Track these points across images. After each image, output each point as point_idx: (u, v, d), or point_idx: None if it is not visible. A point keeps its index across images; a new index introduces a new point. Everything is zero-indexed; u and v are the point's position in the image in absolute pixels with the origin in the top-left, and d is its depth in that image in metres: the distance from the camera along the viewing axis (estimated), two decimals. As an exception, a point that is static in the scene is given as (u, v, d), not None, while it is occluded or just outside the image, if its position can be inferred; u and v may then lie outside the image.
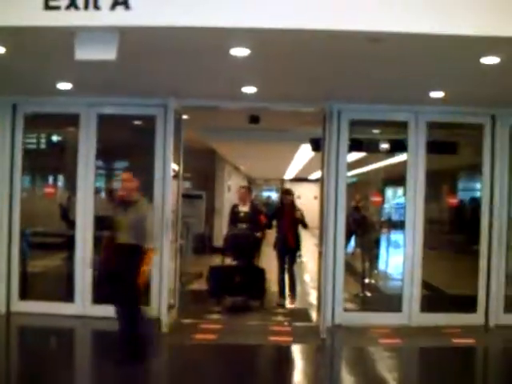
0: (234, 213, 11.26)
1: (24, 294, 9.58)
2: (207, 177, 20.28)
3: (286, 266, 11.21)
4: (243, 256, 10.71)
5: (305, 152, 17.01)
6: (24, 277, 9.69)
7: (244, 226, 10.96)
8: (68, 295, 9.48)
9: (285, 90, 8.49)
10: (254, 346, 8.31)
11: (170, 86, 8.50)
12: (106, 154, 10.17)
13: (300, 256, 12.02)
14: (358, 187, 12.48)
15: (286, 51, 6.48)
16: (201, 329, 8.87)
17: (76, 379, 7.03)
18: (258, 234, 11.05)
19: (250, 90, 8.44)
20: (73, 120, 9.58)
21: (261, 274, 10.71)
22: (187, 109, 9.35)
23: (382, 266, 12.79)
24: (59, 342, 8.65)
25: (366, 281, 11.59)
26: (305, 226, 11.31)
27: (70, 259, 9.60)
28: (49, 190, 10.42)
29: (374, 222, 12.32)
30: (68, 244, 9.66)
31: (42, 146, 10.65)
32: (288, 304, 10.93)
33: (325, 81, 7.87)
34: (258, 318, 9.84)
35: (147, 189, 8.84)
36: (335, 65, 7.08)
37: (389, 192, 14.67)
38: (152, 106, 9.33)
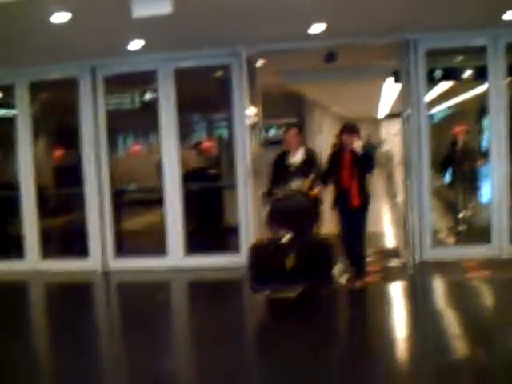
0: (281, 165, 8.18)
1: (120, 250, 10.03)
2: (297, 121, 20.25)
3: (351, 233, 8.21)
4: (299, 228, 7.59)
5: (392, 86, 16.65)
6: (119, 234, 10.07)
7: (297, 183, 7.89)
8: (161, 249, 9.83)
9: (355, 24, 8.31)
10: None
11: (238, 33, 8.52)
12: (186, 107, 10.27)
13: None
14: (455, 118, 12.16)
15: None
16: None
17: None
18: (316, 191, 7.93)
19: (319, 27, 8.32)
20: (150, 77, 9.78)
21: (327, 250, 7.65)
22: (260, 54, 9.34)
23: (477, 198, 12.49)
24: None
25: (460, 214, 11.32)
26: (369, 167, 8.29)
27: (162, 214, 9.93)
28: (137, 148, 10.70)
29: (472, 153, 11.97)
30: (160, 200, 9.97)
31: (126, 106, 10.89)
32: (357, 284, 8.08)
33: (396, 10, 7.64)
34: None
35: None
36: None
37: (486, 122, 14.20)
38: (225, 56, 9.41)
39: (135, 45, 8.71)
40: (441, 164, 10.92)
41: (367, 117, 32.26)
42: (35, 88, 10.21)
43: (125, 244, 10.30)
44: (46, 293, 9.69)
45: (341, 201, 8.11)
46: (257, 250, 7.54)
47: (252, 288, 7.36)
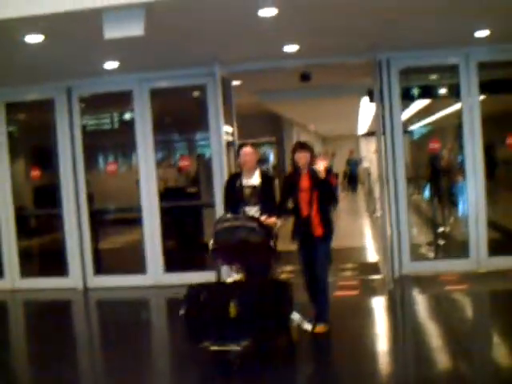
0: (233, 189, 7.00)
1: (99, 270, 10.12)
2: (276, 141, 20.53)
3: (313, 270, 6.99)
4: (251, 267, 6.58)
5: (368, 105, 16.87)
6: (96, 253, 10.14)
7: (253, 209, 6.79)
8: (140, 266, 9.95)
9: (327, 44, 8.48)
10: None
11: (212, 53, 8.66)
12: (163, 127, 10.37)
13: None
14: (435, 135, 12.35)
15: (314, 4, 6.53)
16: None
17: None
18: (272, 220, 6.57)
19: (292, 48, 8.48)
20: (126, 97, 9.90)
21: (284, 292, 6.36)
22: (236, 74, 9.49)
23: (456, 212, 12.67)
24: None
25: (440, 229, 11.47)
26: (333, 199, 7.32)
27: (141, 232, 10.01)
28: (111, 168, 10.75)
29: (450, 168, 12.14)
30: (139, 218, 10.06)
31: (103, 126, 10.99)
32: (318, 328, 6.82)
33: (367, 29, 7.80)
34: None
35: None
36: (374, 17, 7.10)
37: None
38: (201, 76, 9.54)
39: (110, 65, 8.83)
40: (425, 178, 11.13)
41: (346, 134, 32.58)
42: (11, 108, 10.31)
43: (104, 262, 10.36)
44: (25, 310, 9.78)
45: (300, 231, 6.94)
46: (195, 293, 6.14)
47: (188, 339, 6.17)
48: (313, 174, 6.84)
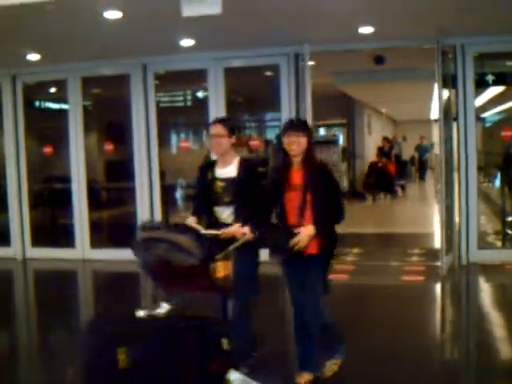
0: (204, 182, 5.30)
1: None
2: (347, 123, 20.59)
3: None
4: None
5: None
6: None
7: (226, 211, 5.16)
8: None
9: (402, 28, 8.54)
10: (386, 285, 8.53)
11: (288, 33, 8.81)
12: (236, 106, 10.61)
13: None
14: (509, 122, 12.24)
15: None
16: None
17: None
18: (238, 233, 4.86)
19: (366, 30, 8.60)
20: (201, 75, 10.17)
21: (212, 340, 4.30)
22: (310, 55, 9.62)
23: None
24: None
25: (508, 218, 11.41)
26: (338, 208, 5.00)
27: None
28: (183, 144, 11.08)
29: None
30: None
31: (176, 103, 11.33)
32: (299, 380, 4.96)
33: (442, 14, 7.84)
34: (391, 258, 9.99)
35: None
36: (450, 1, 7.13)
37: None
38: (275, 56, 9.72)
39: (186, 43, 9.10)
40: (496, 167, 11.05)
41: (418, 119, 32.24)
42: (87, 83, 10.71)
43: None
44: (94, 280, 10.31)
45: (284, 246, 4.85)
46: (89, 332, 4.46)
47: None
48: (310, 166, 4.94)
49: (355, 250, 10.41)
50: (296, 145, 4.91)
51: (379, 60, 10.19)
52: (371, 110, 23.34)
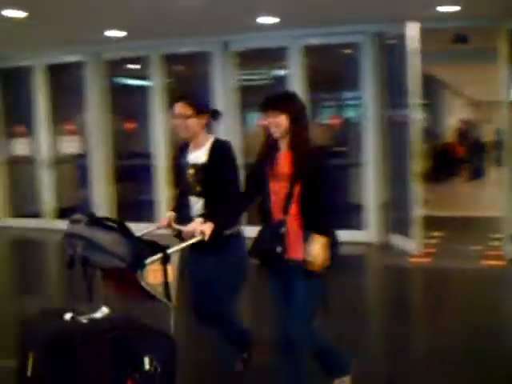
0: (178, 167, 4.74)
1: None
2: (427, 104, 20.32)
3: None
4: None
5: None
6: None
7: (198, 202, 4.49)
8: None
9: (485, 7, 8.38)
10: (466, 269, 8.43)
11: (370, 11, 8.78)
12: (315, 84, 10.62)
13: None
14: None
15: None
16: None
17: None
18: (197, 231, 3.99)
19: (448, 8, 8.49)
20: (281, 53, 10.23)
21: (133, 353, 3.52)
22: (389, 34, 9.57)
23: None
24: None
25: None
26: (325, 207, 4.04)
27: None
28: (262, 123, 11.16)
29: None
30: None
31: (256, 81, 11.44)
32: None
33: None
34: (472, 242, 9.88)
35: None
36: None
37: None
38: (355, 34, 9.72)
39: (266, 21, 9.15)
40: None
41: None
42: (169, 60, 10.92)
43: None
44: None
45: (265, 248, 4.12)
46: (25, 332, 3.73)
47: None
48: (297, 151, 4.09)
49: (436, 234, 10.35)
50: (274, 125, 4.08)
51: (462, 39, 10.03)
52: (452, 90, 22.99)
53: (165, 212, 10.41)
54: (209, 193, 4.44)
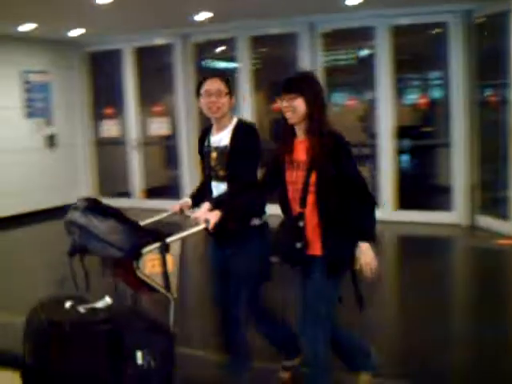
0: (201, 152, 4.53)
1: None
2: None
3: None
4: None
5: None
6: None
7: (221, 186, 4.30)
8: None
9: None
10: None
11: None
12: (402, 64, 10.59)
13: None
14: None
15: None
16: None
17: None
18: (202, 219, 3.84)
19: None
20: (367, 33, 10.24)
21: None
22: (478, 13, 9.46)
23: None
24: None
25: None
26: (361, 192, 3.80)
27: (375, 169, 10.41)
28: (350, 103, 11.24)
29: None
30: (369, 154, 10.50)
31: (342, 62, 11.48)
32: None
33: None
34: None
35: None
36: None
37: None
38: (443, 13, 9.63)
39: (352, 1, 9.16)
40: None
41: None
42: (255, 42, 11.07)
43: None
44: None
45: (283, 244, 3.88)
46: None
47: None
48: (314, 137, 3.80)
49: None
50: (290, 110, 3.82)
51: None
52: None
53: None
54: (232, 177, 4.21)
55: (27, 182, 11.46)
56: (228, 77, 4.39)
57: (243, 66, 11.08)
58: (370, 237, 3.74)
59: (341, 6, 9.38)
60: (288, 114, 3.82)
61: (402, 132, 10.25)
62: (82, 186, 12.65)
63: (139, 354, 3.43)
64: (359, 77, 11.26)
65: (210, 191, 4.36)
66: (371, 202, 3.83)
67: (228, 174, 4.22)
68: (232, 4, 9.23)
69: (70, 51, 12.28)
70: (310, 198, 3.78)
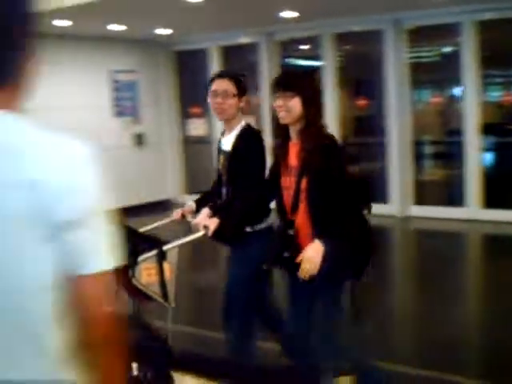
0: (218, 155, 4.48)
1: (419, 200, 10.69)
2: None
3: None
4: None
5: None
6: (417, 184, 10.75)
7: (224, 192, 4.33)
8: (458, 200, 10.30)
9: None
10: None
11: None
12: (487, 61, 10.48)
13: None
14: None
15: None
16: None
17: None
18: (200, 225, 3.91)
19: None
20: (452, 29, 10.16)
21: None
22: None
23: None
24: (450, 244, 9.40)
25: None
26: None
27: (459, 167, 10.31)
28: (435, 100, 11.19)
29: None
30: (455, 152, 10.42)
31: (426, 58, 11.43)
32: None
33: None
34: None
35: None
36: None
37: None
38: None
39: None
40: None
41: None
42: (339, 39, 11.12)
43: (423, 193, 10.92)
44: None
45: (276, 251, 3.79)
46: None
47: None
48: (307, 140, 3.61)
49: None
50: (284, 109, 3.60)
51: None
52: None
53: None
54: (232, 182, 4.14)
55: (116, 179, 11.76)
56: (240, 77, 4.28)
57: (327, 63, 11.14)
58: (327, 239, 3.46)
59: (426, 1, 9.35)
60: (282, 114, 3.61)
61: (487, 129, 10.14)
62: (170, 183, 12.97)
63: (135, 366, 3.42)
64: (444, 73, 11.18)
65: (219, 195, 4.30)
66: (351, 211, 3.61)
67: (230, 179, 4.16)
68: (317, 2, 9.32)
69: (156, 51, 12.60)
70: (302, 206, 3.60)
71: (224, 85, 4.13)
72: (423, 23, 10.40)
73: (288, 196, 3.67)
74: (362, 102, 11.47)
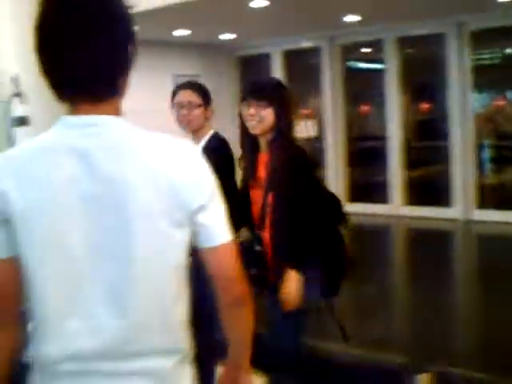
0: None
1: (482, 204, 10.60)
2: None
3: None
4: None
5: None
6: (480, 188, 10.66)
7: None
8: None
9: None
10: None
11: None
12: None
13: None
14: None
15: None
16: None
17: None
18: None
19: None
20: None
21: None
22: None
23: None
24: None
25: None
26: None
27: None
28: (499, 103, 11.11)
29: None
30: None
31: (489, 61, 11.36)
32: None
33: None
34: None
35: None
36: None
37: None
38: None
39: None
40: None
41: None
42: (402, 43, 11.15)
43: (487, 196, 10.85)
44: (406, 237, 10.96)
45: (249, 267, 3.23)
46: None
47: None
48: (276, 152, 3.46)
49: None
50: (256, 119, 3.40)
51: None
52: None
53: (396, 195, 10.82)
54: None
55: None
56: (203, 86, 4.17)
57: (389, 67, 11.18)
58: (298, 266, 3.31)
59: (490, 3, 9.31)
60: (252, 123, 3.41)
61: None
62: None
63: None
64: (507, 76, 11.09)
65: None
66: (322, 228, 3.43)
67: None
68: (380, 6, 9.36)
69: (220, 55, 12.76)
70: (266, 221, 3.43)
71: (187, 95, 4.06)
72: (487, 25, 10.31)
73: (256, 209, 3.51)
74: (424, 106, 11.46)
